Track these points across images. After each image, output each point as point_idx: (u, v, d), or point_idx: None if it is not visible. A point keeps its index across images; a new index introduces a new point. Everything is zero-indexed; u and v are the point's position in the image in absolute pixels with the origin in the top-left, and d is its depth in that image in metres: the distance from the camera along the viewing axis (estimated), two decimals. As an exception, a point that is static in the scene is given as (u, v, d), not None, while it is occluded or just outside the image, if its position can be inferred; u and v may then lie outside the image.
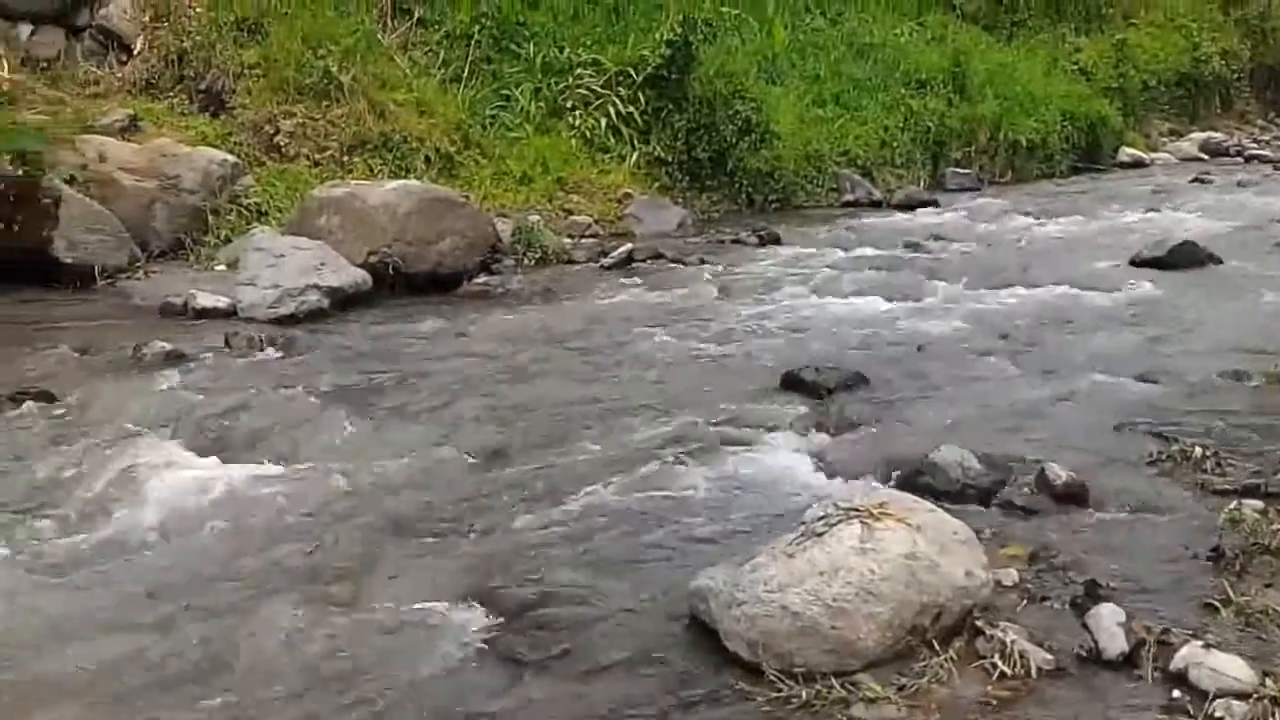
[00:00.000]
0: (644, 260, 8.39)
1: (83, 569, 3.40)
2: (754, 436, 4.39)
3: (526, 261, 8.24)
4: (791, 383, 5.08)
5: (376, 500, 3.85)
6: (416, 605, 3.09)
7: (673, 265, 8.38)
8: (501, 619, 3.02)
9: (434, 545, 3.50)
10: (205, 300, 6.57)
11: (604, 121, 10.50)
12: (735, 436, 4.39)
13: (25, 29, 8.26)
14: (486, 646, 2.90)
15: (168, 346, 5.70)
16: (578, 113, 10.49)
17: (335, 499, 3.86)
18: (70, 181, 7.17)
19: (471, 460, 4.22)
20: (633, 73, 10.63)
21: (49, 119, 7.54)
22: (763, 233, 9.55)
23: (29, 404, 4.83)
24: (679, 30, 10.70)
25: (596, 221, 9.54)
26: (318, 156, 8.50)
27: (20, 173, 7.03)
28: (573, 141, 10.31)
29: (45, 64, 8.25)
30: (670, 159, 10.72)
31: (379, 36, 9.61)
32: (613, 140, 10.52)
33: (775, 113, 11.59)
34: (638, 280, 7.81)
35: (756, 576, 2.83)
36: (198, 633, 2.99)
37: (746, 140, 11.05)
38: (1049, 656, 2.73)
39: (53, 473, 4.13)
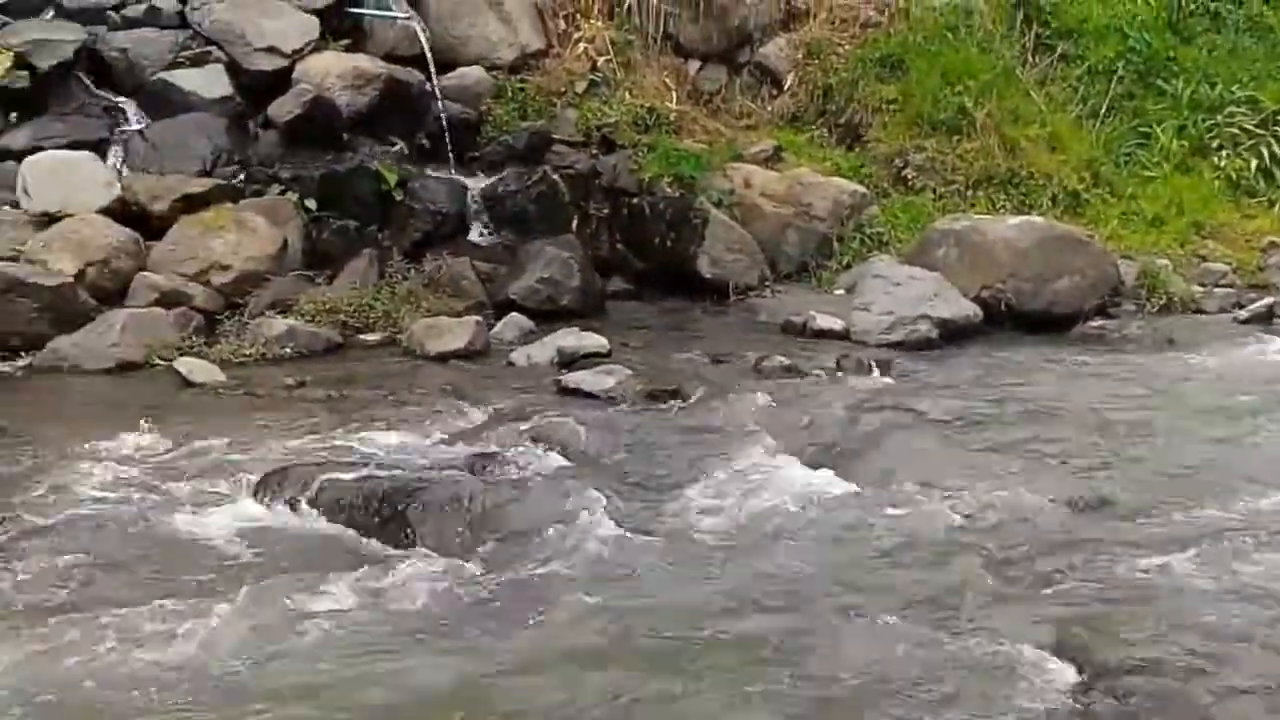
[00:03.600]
0: (1288, 316, 7.60)
1: (695, 550, 3.80)
2: None
3: (1149, 308, 7.79)
4: None
5: (970, 531, 3.90)
6: (1003, 645, 3.09)
7: (1326, 324, 7.51)
8: (1088, 677, 2.94)
9: (1025, 586, 3.49)
10: (823, 322, 6.97)
11: (1254, 163, 9.63)
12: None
13: (694, 65, 9.24)
14: (1071, 704, 2.84)
15: (785, 361, 6.13)
16: (1224, 153, 9.72)
17: (929, 524, 3.97)
18: (718, 204, 7.93)
19: (1069, 505, 4.13)
20: (1295, 111, 9.64)
21: (706, 147, 8.37)
22: None
23: (664, 400, 5.45)
24: (1360, 64, 9.54)
25: (1233, 270, 8.77)
26: (942, 190, 8.64)
27: (678, 194, 7.90)
28: (1215, 183, 9.56)
29: (708, 97, 9.16)
30: (1333, 206, 9.58)
31: (1017, 72, 9.56)
32: (1262, 183, 9.61)
33: None
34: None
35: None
36: (794, 628, 3.23)
37: None
38: None
39: (678, 462, 4.64)
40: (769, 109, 9.13)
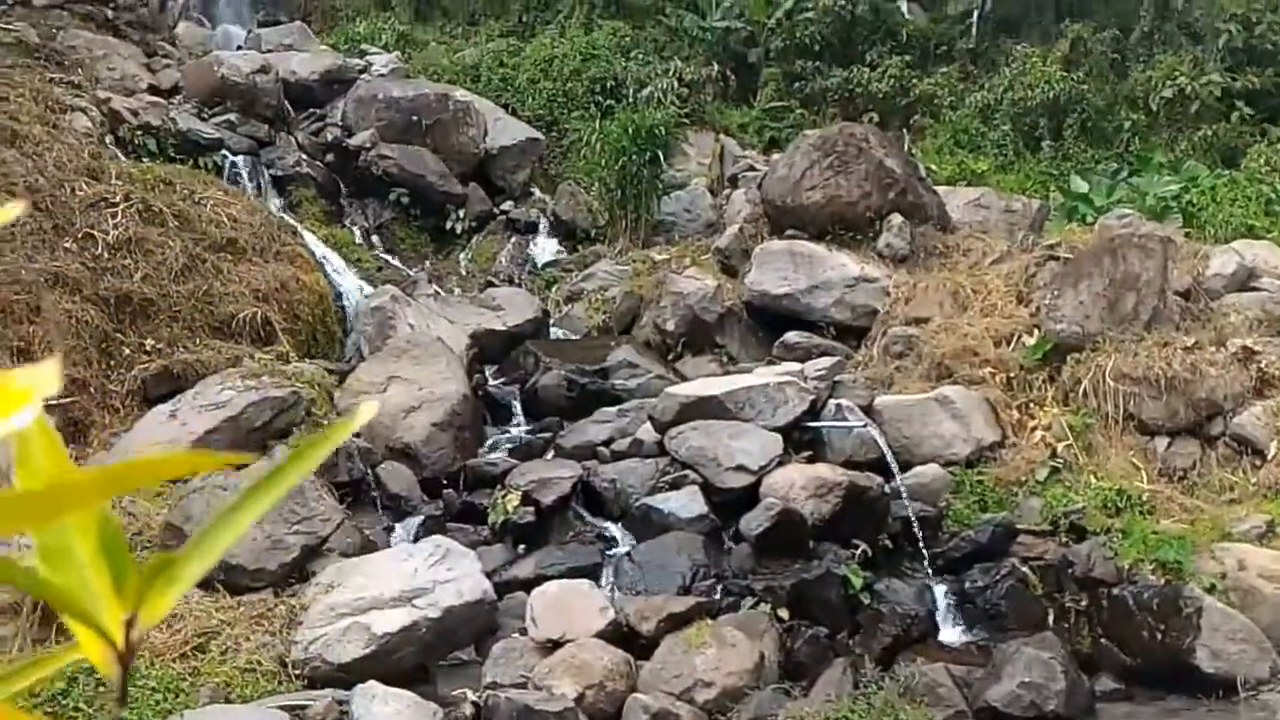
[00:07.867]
0: None
1: None
2: None
3: None
4: None
5: None
6: None
7: None
8: None
9: None
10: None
11: None
12: None
13: (1162, 442, 8.85)
14: None
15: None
16: None
17: None
18: (1210, 590, 7.33)
19: None
20: None
21: (1188, 527, 7.86)
22: None
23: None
24: None
25: None
26: None
27: (1163, 581, 7.40)
28: None
29: (1181, 473, 8.69)
30: None
31: None
32: None
33: None
34: None
35: None
36: None
37: None
38: None
39: None
40: (1253, 481, 8.52)
